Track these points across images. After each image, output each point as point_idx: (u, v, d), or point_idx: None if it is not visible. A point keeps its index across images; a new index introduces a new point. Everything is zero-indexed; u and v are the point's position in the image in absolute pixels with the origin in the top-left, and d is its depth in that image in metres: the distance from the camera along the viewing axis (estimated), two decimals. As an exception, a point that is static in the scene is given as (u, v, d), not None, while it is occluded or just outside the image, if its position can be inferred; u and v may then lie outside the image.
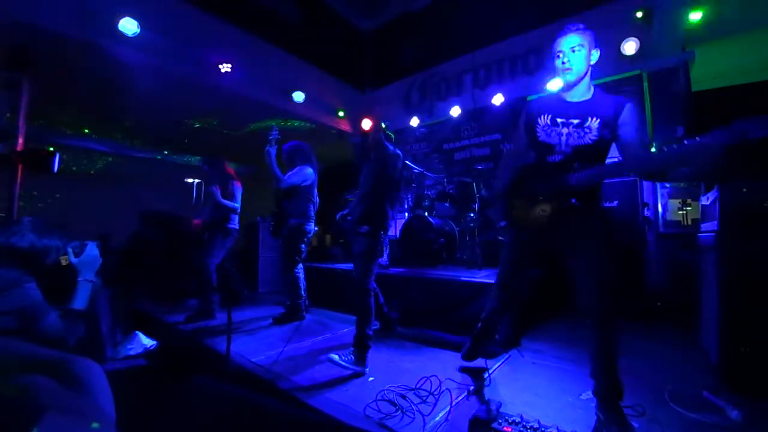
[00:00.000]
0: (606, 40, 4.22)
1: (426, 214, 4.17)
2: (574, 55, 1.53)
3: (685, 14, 3.67)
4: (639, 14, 3.98)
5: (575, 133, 1.54)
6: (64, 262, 1.42)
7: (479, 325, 2.13)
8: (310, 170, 3.32)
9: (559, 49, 1.57)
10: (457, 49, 5.81)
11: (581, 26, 1.56)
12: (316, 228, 3.38)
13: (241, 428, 1.83)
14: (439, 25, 6.15)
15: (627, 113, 1.48)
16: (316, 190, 3.38)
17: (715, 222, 2.06)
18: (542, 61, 4.88)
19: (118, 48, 3.78)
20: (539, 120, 1.64)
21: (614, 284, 1.49)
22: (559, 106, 1.62)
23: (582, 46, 1.52)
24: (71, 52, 3.79)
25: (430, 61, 6.12)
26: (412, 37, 6.42)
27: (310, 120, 6.05)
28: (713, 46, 3.94)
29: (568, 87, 1.59)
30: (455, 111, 5.48)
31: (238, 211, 3.65)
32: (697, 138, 1.28)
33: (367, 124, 6.02)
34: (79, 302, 1.41)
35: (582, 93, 1.59)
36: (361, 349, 2.20)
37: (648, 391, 1.90)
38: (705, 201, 2.47)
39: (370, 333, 2.24)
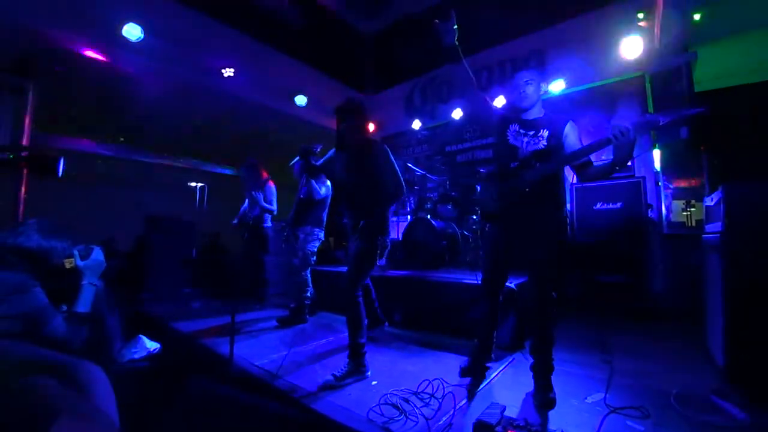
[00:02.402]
0: (607, 42, 4.22)
1: (428, 216, 4.16)
2: (529, 88, 1.93)
3: (688, 15, 3.66)
4: (640, 15, 3.97)
5: (531, 141, 1.92)
6: (68, 265, 1.42)
7: (476, 342, 2.18)
8: (329, 183, 3.56)
9: (517, 83, 1.97)
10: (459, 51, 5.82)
11: (532, 71, 2.01)
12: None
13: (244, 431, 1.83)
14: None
15: (570, 127, 1.88)
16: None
17: (720, 223, 2.05)
18: (544, 62, 4.88)
19: (122, 53, 3.82)
20: (510, 126, 2.00)
21: (555, 281, 1.86)
22: (521, 121, 2.00)
23: (533, 82, 1.93)
24: (76, 57, 3.83)
25: (432, 64, 6.13)
26: (413, 39, 6.44)
27: (312, 123, 6.08)
28: (716, 47, 3.92)
29: (526, 109, 1.99)
30: (457, 113, 5.48)
31: (276, 212, 3.97)
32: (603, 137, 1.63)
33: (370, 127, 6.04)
34: (83, 305, 1.41)
35: (536, 113, 1.99)
36: (357, 357, 2.16)
37: (653, 393, 1.89)
38: (709, 202, 2.46)
39: (364, 341, 2.20)
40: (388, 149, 2.35)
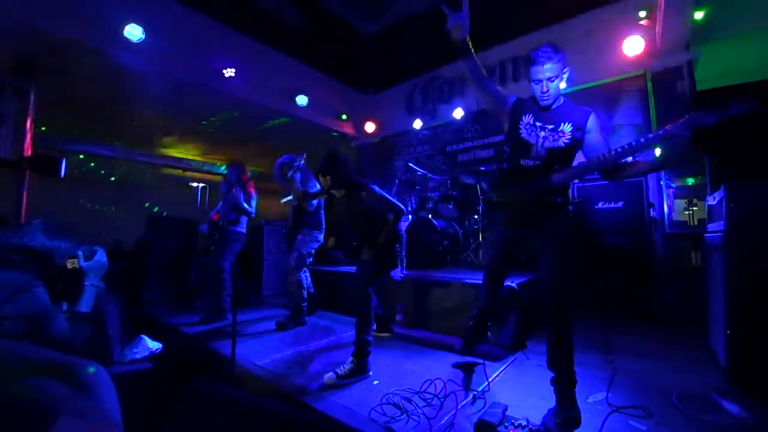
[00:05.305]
0: (609, 40, 4.21)
1: (430, 216, 4.16)
2: (552, 84, 1.65)
3: (689, 13, 3.64)
4: (642, 14, 3.96)
5: (550, 136, 1.68)
6: (70, 266, 1.42)
7: (470, 323, 2.19)
8: (315, 183, 3.44)
9: (537, 78, 1.67)
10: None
11: (554, 56, 1.62)
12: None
13: (246, 432, 1.83)
14: (441, 28, 6.15)
15: (593, 120, 1.64)
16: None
17: (722, 222, 2.04)
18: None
19: (123, 54, 3.82)
20: (524, 117, 1.75)
21: (570, 288, 1.64)
22: (537, 110, 1.75)
23: (558, 77, 1.64)
24: (77, 58, 3.84)
25: (433, 64, 6.12)
26: (414, 39, 6.43)
27: (313, 123, 6.08)
28: (718, 45, 3.91)
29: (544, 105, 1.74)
30: (458, 113, 5.47)
31: (253, 215, 3.81)
32: (650, 134, 1.45)
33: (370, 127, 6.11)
34: (85, 305, 1.42)
35: (555, 102, 1.74)
36: (361, 355, 2.17)
37: (655, 393, 1.88)
38: (711, 201, 2.45)
39: (370, 339, 2.21)
40: (374, 187, 2.38)
